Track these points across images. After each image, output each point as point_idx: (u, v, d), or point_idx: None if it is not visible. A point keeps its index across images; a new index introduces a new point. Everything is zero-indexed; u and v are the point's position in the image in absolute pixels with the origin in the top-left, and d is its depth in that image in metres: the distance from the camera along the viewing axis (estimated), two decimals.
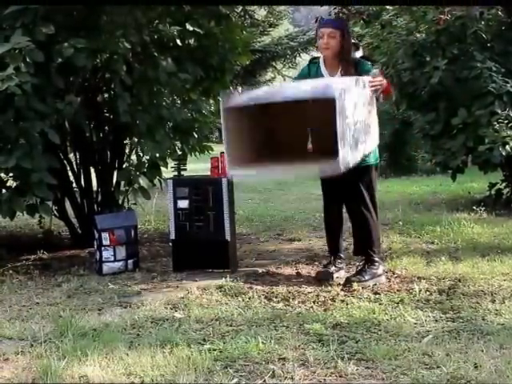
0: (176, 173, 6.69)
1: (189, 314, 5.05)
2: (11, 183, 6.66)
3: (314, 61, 5.99)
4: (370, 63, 5.88)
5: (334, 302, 5.29)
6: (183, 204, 6.45)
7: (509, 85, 9.33)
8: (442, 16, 9.18)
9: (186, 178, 6.71)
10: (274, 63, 20.51)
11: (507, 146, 9.14)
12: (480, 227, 8.03)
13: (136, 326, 4.82)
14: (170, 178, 6.62)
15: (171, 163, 7.01)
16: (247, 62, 8.97)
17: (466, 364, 3.92)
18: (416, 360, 4.03)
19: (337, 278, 5.97)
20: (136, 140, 7.44)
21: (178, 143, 7.86)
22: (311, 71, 5.91)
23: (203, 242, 6.39)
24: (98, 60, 6.96)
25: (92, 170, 7.92)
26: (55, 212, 7.78)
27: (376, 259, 5.89)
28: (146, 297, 5.62)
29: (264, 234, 8.54)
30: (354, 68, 5.76)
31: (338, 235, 6.12)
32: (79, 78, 7.18)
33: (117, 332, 4.65)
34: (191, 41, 7.38)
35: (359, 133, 5.30)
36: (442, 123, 9.90)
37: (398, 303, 5.15)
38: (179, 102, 8.07)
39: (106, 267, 6.48)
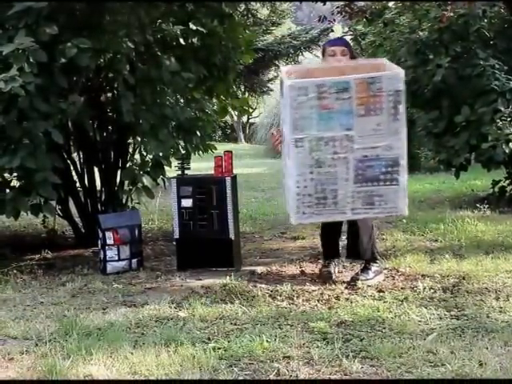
0: (179, 172, 6.69)
1: (193, 312, 5.06)
2: (15, 183, 6.67)
3: None
4: None
5: (339, 300, 5.29)
6: (187, 203, 6.46)
7: None
8: (445, 13, 9.18)
9: (190, 176, 6.71)
10: (276, 62, 20.51)
11: (510, 144, 9.15)
12: (484, 225, 8.02)
13: (140, 325, 4.83)
14: (173, 177, 6.63)
15: (175, 162, 7.02)
16: (250, 61, 8.98)
17: (470, 362, 3.92)
18: (420, 358, 4.03)
19: (340, 272, 5.99)
20: (139, 139, 7.44)
21: (182, 142, 7.87)
22: None
23: (207, 240, 6.40)
24: (101, 60, 6.98)
25: (95, 169, 7.93)
26: (59, 211, 7.80)
27: (378, 257, 5.91)
28: (151, 296, 5.62)
29: (268, 232, 8.54)
30: None
31: (337, 239, 6.11)
32: (82, 77, 7.18)
33: (121, 331, 4.65)
34: (194, 40, 7.38)
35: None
36: (445, 121, 9.90)
37: (402, 301, 5.15)
38: (182, 101, 8.07)
39: (109, 266, 6.49)
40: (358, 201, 5.10)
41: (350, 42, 6.27)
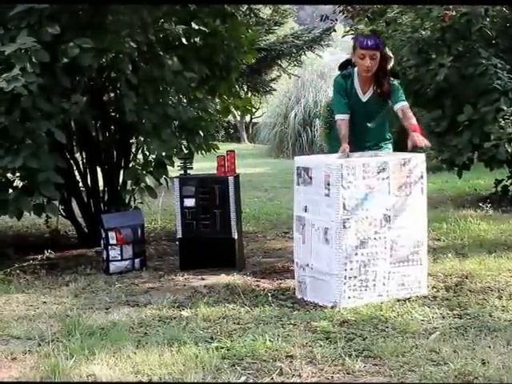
0: (182, 171, 6.69)
1: (196, 312, 5.06)
2: (18, 183, 6.68)
3: (344, 73, 5.94)
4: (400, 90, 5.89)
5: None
6: (190, 202, 6.46)
7: None
8: (448, 12, 9.17)
9: (193, 176, 6.71)
10: (279, 61, 20.47)
11: None
12: (486, 224, 8.02)
13: (143, 324, 4.83)
14: (176, 177, 6.63)
15: (177, 162, 7.02)
16: (253, 61, 8.98)
17: (473, 360, 3.92)
18: (423, 357, 4.03)
19: None
20: (142, 139, 7.44)
21: (184, 142, 7.86)
22: (347, 85, 5.86)
23: (210, 240, 6.41)
24: (103, 59, 6.98)
25: (98, 169, 7.93)
26: (62, 211, 7.79)
27: None
28: (153, 295, 5.63)
29: (270, 232, 8.54)
30: (387, 83, 5.79)
31: None
32: (85, 77, 7.19)
33: (124, 331, 4.66)
34: (197, 39, 7.38)
35: None
36: (447, 120, 9.89)
37: (404, 300, 5.15)
38: (185, 100, 8.07)
39: (112, 266, 6.49)
40: (392, 281, 5.19)
41: (379, 36, 6.08)
